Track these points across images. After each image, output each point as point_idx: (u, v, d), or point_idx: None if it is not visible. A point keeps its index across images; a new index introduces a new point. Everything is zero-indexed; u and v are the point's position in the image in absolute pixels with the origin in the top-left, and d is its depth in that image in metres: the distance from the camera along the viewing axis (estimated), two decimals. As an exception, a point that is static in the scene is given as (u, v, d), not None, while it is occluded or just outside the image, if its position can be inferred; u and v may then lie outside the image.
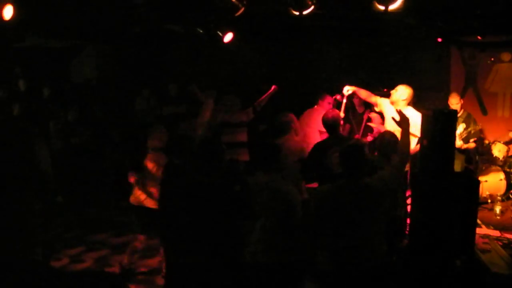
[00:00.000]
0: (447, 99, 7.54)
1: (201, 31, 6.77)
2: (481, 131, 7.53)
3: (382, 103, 5.94)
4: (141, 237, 5.25)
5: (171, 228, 3.52)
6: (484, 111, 8.47)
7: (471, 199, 4.30)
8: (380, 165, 4.24)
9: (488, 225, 5.65)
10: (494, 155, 7.31)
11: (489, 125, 8.17)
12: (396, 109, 4.17)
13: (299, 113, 6.53)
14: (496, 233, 5.26)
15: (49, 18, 6.43)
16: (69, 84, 9.59)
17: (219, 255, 3.34)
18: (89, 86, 9.60)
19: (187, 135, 4.45)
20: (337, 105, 6.39)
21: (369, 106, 6.86)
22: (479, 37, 7.79)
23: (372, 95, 6.11)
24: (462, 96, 7.90)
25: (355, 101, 7.10)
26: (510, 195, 6.93)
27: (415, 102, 7.47)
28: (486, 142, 7.69)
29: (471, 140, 7.06)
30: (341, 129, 5.40)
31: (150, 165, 5.08)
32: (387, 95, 5.84)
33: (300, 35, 8.48)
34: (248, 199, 3.40)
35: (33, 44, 8.57)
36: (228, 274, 3.38)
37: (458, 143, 6.58)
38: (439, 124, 3.99)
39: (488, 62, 8.40)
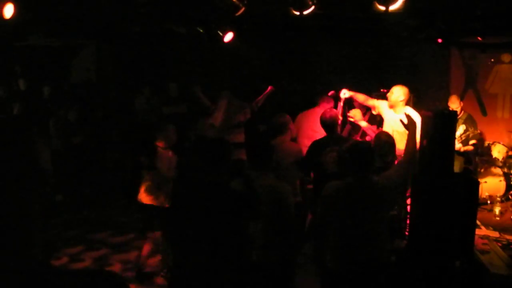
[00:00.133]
0: (447, 100, 7.55)
1: (201, 30, 6.77)
2: (481, 134, 7.53)
3: (380, 106, 5.95)
4: (154, 235, 5.21)
5: (180, 226, 3.53)
6: (484, 112, 8.48)
7: (471, 200, 4.30)
8: (376, 165, 4.26)
9: (487, 226, 5.65)
10: (494, 156, 7.32)
11: (489, 126, 8.17)
12: (404, 113, 4.21)
13: (298, 113, 6.54)
14: (495, 234, 5.26)
15: (49, 17, 6.43)
16: (69, 83, 9.59)
17: (227, 254, 3.36)
18: (89, 85, 9.59)
19: (205, 136, 4.46)
20: (335, 102, 6.38)
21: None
22: (479, 38, 7.79)
23: (370, 98, 6.12)
24: (462, 97, 7.91)
25: (355, 103, 7.11)
26: (510, 196, 6.93)
27: (415, 103, 7.49)
28: (486, 143, 7.70)
29: (470, 142, 7.07)
30: (339, 129, 5.41)
31: (160, 164, 5.06)
32: (386, 96, 5.84)
33: (301, 35, 8.48)
34: (254, 198, 3.44)
35: (33, 43, 8.58)
36: (234, 274, 3.39)
37: (457, 145, 6.59)
38: (439, 125, 3.99)
39: (488, 63, 8.42)
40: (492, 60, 8.36)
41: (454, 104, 7.26)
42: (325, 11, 6.06)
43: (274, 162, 4.14)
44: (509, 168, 7.12)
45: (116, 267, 5.66)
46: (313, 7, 5.49)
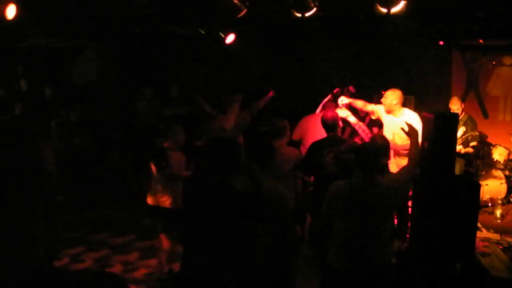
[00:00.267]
0: (448, 102, 7.54)
1: (203, 32, 6.78)
2: (481, 135, 7.52)
3: (378, 111, 5.97)
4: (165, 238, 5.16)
5: (192, 226, 3.54)
6: (486, 115, 8.47)
7: (472, 203, 4.29)
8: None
9: (488, 228, 5.64)
10: (495, 159, 7.30)
11: (490, 129, 8.15)
12: (405, 122, 4.24)
13: (300, 115, 6.54)
14: (496, 236, 5.25)
15: (51, 18, 6.45)
16: (71, 84, 9.61)
17: (236, 256, 3.37)
18: (91, 86, 9.61)
19: (219, 137, 4.44)
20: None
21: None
22: (481, 41, 7.79)
23: (368, 104, 6.14)
24: (463, 99, 7.90)
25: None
26: (511, 199, 6.91)
27: (416, 105, 7.49)
28: (487, 146, 7.68)
29: (471, 144, 7.07)
30: (339, 130, 5.41)
31: (169, 165, 5.00)
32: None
33: (302, 37, 8.49)
34: (263, 200, 3.46)
35: (35, 43, 8.59)
36: (239, 275, 3.40)
37: (458, 147, 6.58)
38: (440, 127, 3.99)
39: (490, 65, 8.41)
40: (494, 62, 8.35)
41: (455, 105, 7.25)
42: (326, 13, 6.06)
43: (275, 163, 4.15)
44: (510, 171, 7.10)
45: (117, 268, 5.66)
46: (315, 9, 5.50)
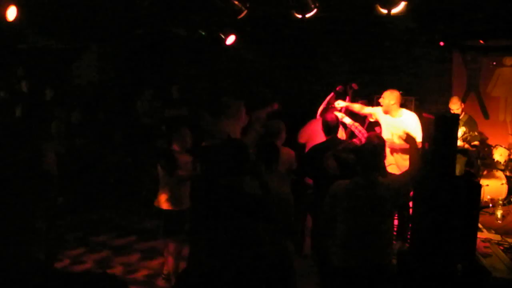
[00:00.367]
0: (448, 103, 7.54)
1: (203, 33, 6.79)
2: (481, 136, 7.51)
3: (375, 113, 5.96)
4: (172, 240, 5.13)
5: (200, 228, 3.55)
6: (486, 115, 8.46)
7: (473, 203, 4.30)
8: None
9: (489, 229, 5.64)
10: (496, 159, 7.31)
11: (491, 129, 8.16)
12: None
13: (300, 115, 6.53)
14: (497, 237, 5.25)
15: (52, 20, 6.46)
16: (71, 86, 9.62)
17: (243, 255, 3.38)
18: (91, 87, 9.62)
19: (230, 139, 4.42)
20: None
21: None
22: (481, 41, 7.80)
23: (365, 106, 6.15)
24: (464, 100, 7.89)
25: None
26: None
27: (417, 105, 7.48)
28: (487, 146, 7.68)
29: (472, 143, 7.06)
30: (347, 132, 5.41)
31: (177, 167, 4.95)
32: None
33: (303, 38, 8.49)
34: (270, 200, 3.47)
35: (36, 45, 8.60)
36: (244, 274, 3.41)
37: (459, 143, 6.58)
38: (441, 128, 3.99)
39: (490, 66, 8.40)
40: (494, 63, 8.35)
41: (455, 105, 7.24)
42: (327, 14, 6.07)
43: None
44: (511, 171, 7.11)
45: (118, 270, 5.66)
46: (315, 10, 5.50)
